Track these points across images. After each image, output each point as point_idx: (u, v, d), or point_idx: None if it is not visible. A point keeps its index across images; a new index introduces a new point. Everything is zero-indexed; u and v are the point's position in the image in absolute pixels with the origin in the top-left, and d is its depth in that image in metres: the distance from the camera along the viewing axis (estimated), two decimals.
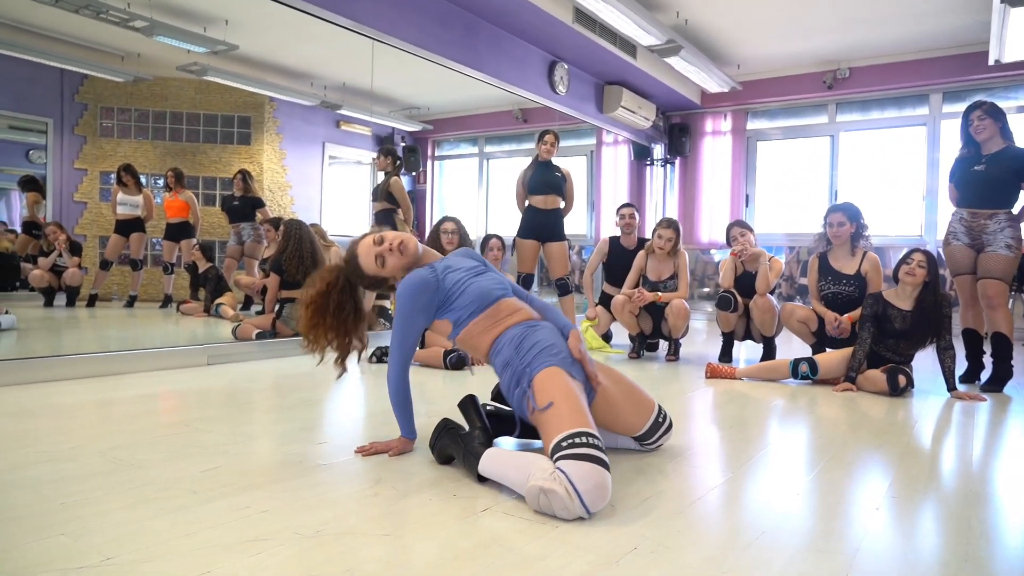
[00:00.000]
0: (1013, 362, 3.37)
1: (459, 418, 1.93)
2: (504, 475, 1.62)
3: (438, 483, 1.70)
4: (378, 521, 1.44)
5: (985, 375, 3.48)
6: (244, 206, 6.43)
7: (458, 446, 1.78)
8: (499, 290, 1.93)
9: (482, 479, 1.68)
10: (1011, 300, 5.80)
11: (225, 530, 1.36)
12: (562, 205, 4.87)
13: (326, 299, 1.91)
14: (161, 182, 6.91)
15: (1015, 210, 3.40)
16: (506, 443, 2.01)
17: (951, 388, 3.15)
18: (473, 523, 1.45)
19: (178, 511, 1.46)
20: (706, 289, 7.82)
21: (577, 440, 1.51)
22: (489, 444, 1.76)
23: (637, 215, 4.84)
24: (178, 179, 6.52)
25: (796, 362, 3.43)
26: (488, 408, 1.97)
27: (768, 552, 1.34)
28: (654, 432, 2.00)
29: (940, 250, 3.65)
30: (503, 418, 2.01)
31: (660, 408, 2.02)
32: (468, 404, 1.90)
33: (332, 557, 1.25)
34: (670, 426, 2.04)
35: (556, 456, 1.51)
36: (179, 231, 6.52)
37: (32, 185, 6.53)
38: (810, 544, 1.39)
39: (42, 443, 2.00)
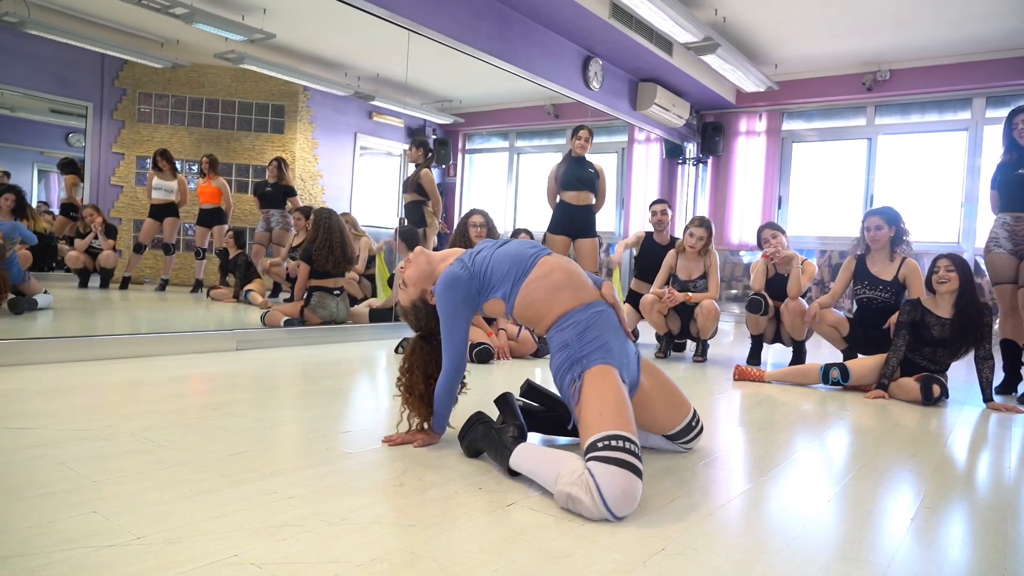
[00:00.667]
0: None
1: (489, 411, 1.92)
2: (534, 471, 1.61)
3: (465, 476, 1.70)
4: (404, 511, 1.44)
5: (1022, 387, 3.39)
6: (276, 193, 6.49)
7: (490, 439, 1.77)
8: (531, 249, 1.88)
9: (512, 473, 1.67)
10: None
11: (253, 514, 1.37)
12: (594, 201, 4.84)
13: (411, 375, 1.94)
14: (196, 168, 7.01)
15: None
16: (536, 439, 2.00)
17: (987, 399, 3.07)
18: (499, 517, 1.44)
19: (207, 493, 1.47)
20: (734, 291, 7.73)
21: (614, 443, 1.48)
22: (522, 439, 1.75)
23: (670, 211, 4.79)
24: (212, 165, 6.61)
25: (827, 367, 3.37)
26: (519, 403, 1.96)
27: (800, 558, 1.31)
28: (687, 433, 1.99)
29: (980, 258, 3.56)
30: (534, 414, 2.00)
31: (695, 411, 2.01)
32: (504, 401, 1.89)
33: (358, 545, 1.25)
34: (702, 430, 2.03)
35: (589, 456, 1.49)
36: (212, 217, 6.60)
37: (71, 168, 6.67)
38: (843, 552, 1.36)
39: (76, 421, 2.03)
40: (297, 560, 1.17)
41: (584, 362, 1.68)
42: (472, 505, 1.50)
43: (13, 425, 1.94)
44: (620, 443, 1.48)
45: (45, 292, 4.36)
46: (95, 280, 6.29)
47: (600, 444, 1.49)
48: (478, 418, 1.88)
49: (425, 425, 1.96)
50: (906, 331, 3.19)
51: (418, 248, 2.00)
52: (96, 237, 6.19)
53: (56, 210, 6.72)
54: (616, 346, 1.74)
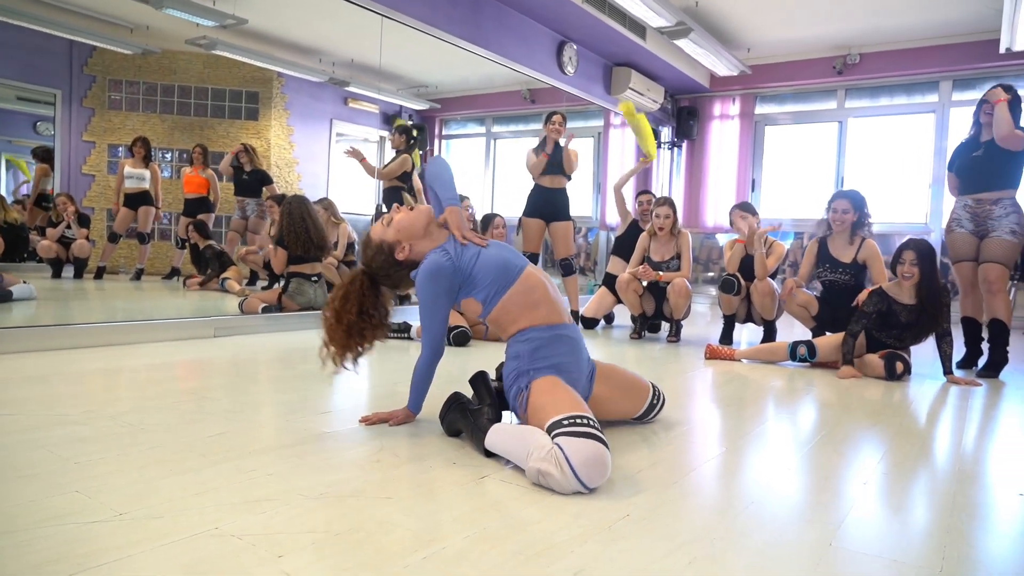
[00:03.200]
0: (1009, 348, 3.39)
1: (467, 392, 1.98)
2: (508, 450, 1.65)
3: (440, 452, 1.75)
4: (380, 485, 1.49)
5: (982, 361, 3.51)
6: (252, 180, 6.46)
7: (467, 421, 1.82)
8: (516, 260, 1.92)
9: (489, 454, 1.72)
10: (1013, 289, 5.82)
11: (233, 491, 1.41)
12: (568, 184, 4.89)
13: (345, 303, 1.93)
14: (169, 156, 6.94)
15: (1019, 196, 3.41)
16: (512, 418, 2.06)
17: (947, 372, 3.19)
18: (471, 489, 1.50)
19: (188, 472, 1.51)
20: (710, 273, 7.84)
21: (578, 420, 1.54)
22: (497, 419, 1.78)
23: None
24: (204, 156, 6.56)
25: (794, 345, 3.47)
26: (496, 384, 2.02)
27: (757, 520, 1.39)
28: (649, 412, 2.09)
29: (943, 238, 3.67)
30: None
31: (654, 390, 2.09)
32: (479, 380, 1.93)
33: (335, 516, 1.30)
34: (663, 403, 2.13)
35: (555, 433, 1.53)
36: (197, 207, 6.56)
37: (43, 156, 6.58)
38: (799, 515, 1.44)
39: (55, 407, 2.05)
40: (277, 531, 1.22)
41: (531, 374, 1.77)
42: (446, 479, 1.56)
43: None
44: (582, 420, 1.54)
45: (24, 283, 4.33)
46: (68, 271, 6.23)
47: (564, 422, 1.54)
48: (455, 399, 1.92)
49: (348, 360, 1.96)
50: (866, 320, 3.28)
51: (428, 208, 2.01)
52: (69, 226, 6.13)
53: (16, 198, 6.65)
54: (568, 365, 1.82)
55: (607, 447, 1.51)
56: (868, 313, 3.28)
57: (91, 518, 1.24)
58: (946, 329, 3.20)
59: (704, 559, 1.19)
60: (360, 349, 1.96)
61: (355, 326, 1.92)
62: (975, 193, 3.44)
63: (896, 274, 3.26)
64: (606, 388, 2.00)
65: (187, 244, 6.48)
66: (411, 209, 2.01)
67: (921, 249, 3.19)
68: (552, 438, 1.53)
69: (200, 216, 6.43)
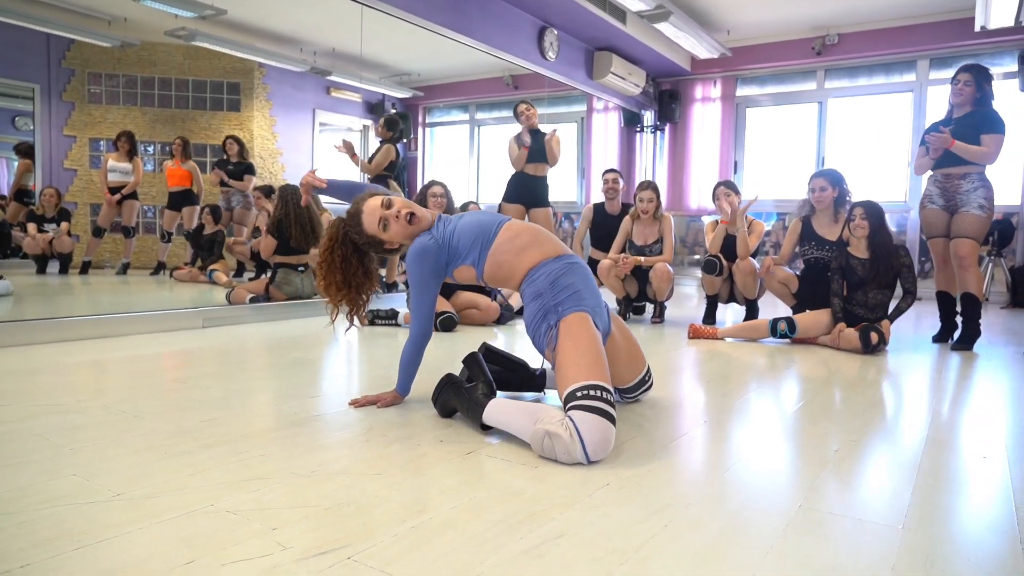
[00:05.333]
0: (981, 321, 3.49)
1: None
2: (509, 423, 1.69)
3: (428, 431, 1.80)
4: (370, 463, 1.54)
5: (957, 334, 3.60)
6: (238, 171, 6.46)
7: (462, 397, 1.85)
8: (494, 218, 1.96)
9: (485, 428, 1.76)
10: (988, 264, 5.94)
11: (226, 471, 1.46)
12: (549, 172, 4.93)
13: (332, 254, 1.98)
14: (151, 149, 6.91)
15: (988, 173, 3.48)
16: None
17: (888, 319, 3.40)
18: (459, 464, 1.55)
19: (182, 455, 1.55)
20: (696, 256, 7.91)
21: (592, 392, 1.57)
22: (493, 395, 1.82)
23: (621, 180, 4.91)
24: (184, 148, 6.55)
25: (775, 321, 3.55)
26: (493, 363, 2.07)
27: (732, 487, 1.45)
28: (639, 387, 2.12)
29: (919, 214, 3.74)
30: (493, 375, 2.11)
31: (648, 367, 2.14)
32: (472, 359, 1.96)
33: (327, 492, 1.35)
34: (651, 384, 2.17)
35: (569, 406, 1.57)
36: (181, 199, 6.55)
37: (25, 152, 6.53)
38: (772, 481, 1.50)
39: (47, 398, 2.08)
40: (269, 507, 1.27)
41: (559, 310, 1.76)
42: (433, 455, 1.61)
43: None
44: (598, 392, 1.58)
45: (1, 278, 4.32)
46: (53, 266, 6.21)
47: (579, 393, 1.58)
48: (448, 379, 1.96)
49: (355, 318, 2.07)
50: (838, 275, 3.48)
51: (427, 213, 2.00)
52: (55, 220, 6.12)
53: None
54: (588, 295, 1.82)
55: (615, 424, 1.57)
56: (834, 269, 3.49)
57: (89, 499, 1.28)
58: (911, 288, 3.39)
59: (679, 522, 1.25)
60: (362, 302, 2.05)
61: (347, 294, 2.01)
62: (945, 168, 3.51)
63: (851, 231, 3.45)
64: (620, 336, 2.02)
65: (171, 237, 6.48)
66: (408, 219, 1.95)
67: (869, 206, 3.43)
68: (567, 409, 1.57)
69: (185, 209, 6.43)
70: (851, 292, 3.47)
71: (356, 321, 2.08)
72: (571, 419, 1.54)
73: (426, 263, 1.93)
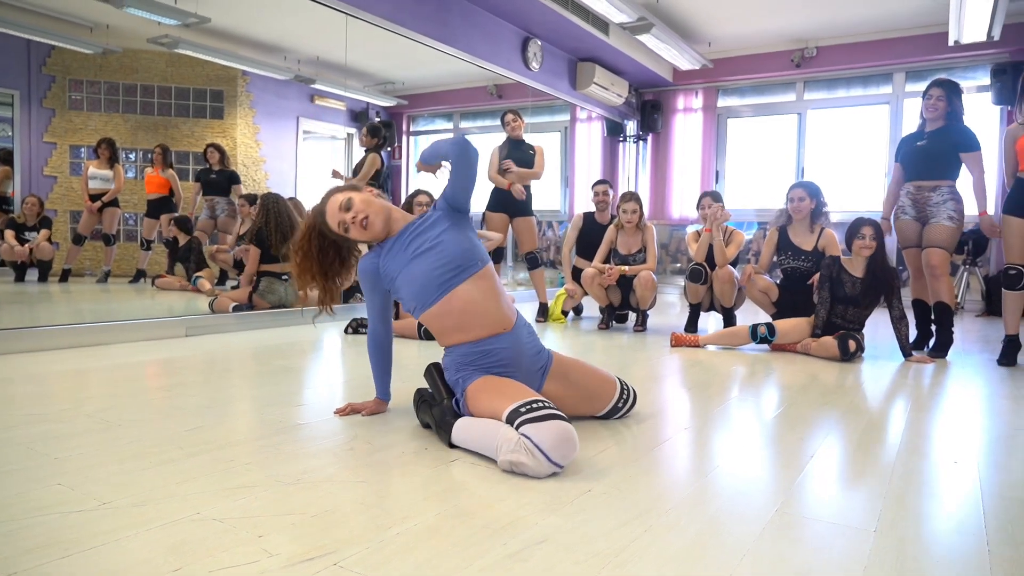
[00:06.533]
0: (955, 329, 3.57)
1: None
2: (475, 445, 1.68)
3: (412, 439, 1.82)
4: (355, 470, 1.56)
5: (932, 342, 3.68)
6: (220, 180, 6.44)
7: (431, 418, 1.85)
8: (441, 278, 1.82)
9: (453, 446, 1.76)
10: (963, 273, 6.06)
11: (212, 479, 1.47)
12: (532, 182, 4.97)
13: (309, 243, 1.96)
14: (133, 156, 6.88)
15: (958, 185, 3.57)
16: None
17: (907, 355, 3.38)
18: (442, 472, 1.57)
19: (167, 464, 1.56)
20: (679, 264, 7.98)
21: (534, 405, 1.57)
22: (459, 414, 1.81)
23: (611, 191, 4.97)
24: (164, 156, 6.52)
25: (755, 327, 3.61)
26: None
27: (711, 492, 1.48)
28: (614, 413, 2.05)
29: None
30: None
31: (622, 390, 2.04)
32: (431, 373, 1.95)
33: (313, 500, 1.36)
34: (633, 402, 2.08)
35: (517, 423, 1.55)
36: (160, 207, 6.52)
37: (3, 159, 6.47)
38: (750, 486, 1.54)
39: (28, 407, 2.08)
40: (255, 515, 1.28)
41: (462, 382, 1.82)
42: (417, 463, 1.63)
43: None
44: (538, 404, 1.58)
45: None
46: (32, 274, 6.15)
47: (522, 410, 1.57)
48: (420, 396, 1.97)
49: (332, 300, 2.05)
50: (828, 284, 3.50)
51: (383, 217, 1.92)
52: (36, 229, 6.06)
53: None
54: (503, 370, 1.83)
55: (569, 421, 1.56)
56: (824, 277, 3.50)
57: (76, 507, 1.29)
58: (901, 312, 3.39)
59: (659, 526, 1.28)
60: (335, 290, 2.04)
61: (321, 282, 2.00)
62: (917, 180, 3.60)
63: (851, 248, 3.46)
64: (560, 387, 1.96)
65: (151, 244, 6.44)
66: (363, 224, 1.88)
67: (877, 226, 3.42)
68: (516, 427, 1.56)
69: (163, 216, 6.40)
70: (834, 304, 3.49)
71: (327, 311, 2.05)
72: (525, 436, 1.52)
73: (365, 281, 1.96)
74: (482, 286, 1.85)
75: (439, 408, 1.84)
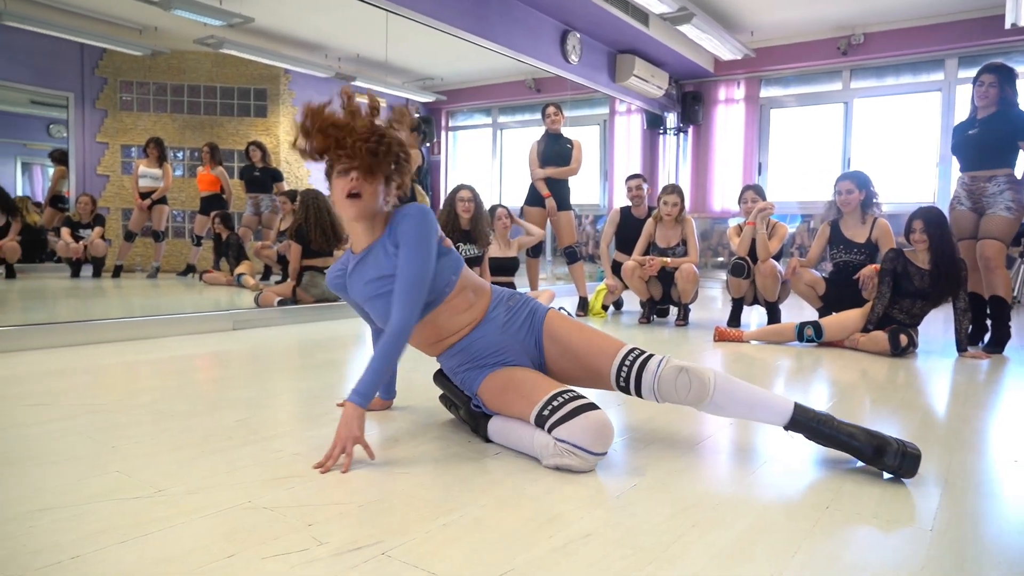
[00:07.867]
0: (1012, 324, 3.44)
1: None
2: (512, 446, 1.66)
3: (455, 432, 1.83)
4: (401, 462, 1.57)
5: (987, 338, 3.55)
6: (264, 177, 6.57)
7: (461, 417, 1.86)
8: (406, 318, 1.62)
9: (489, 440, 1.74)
10: (1020, 265, 5.84)
11: (262, 469, 1.50)
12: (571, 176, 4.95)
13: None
14: (181, 155, 7.05)
15: (1017, 172, 3.44)
16: None
17: (962, 350, 3.25)
18: (486, 464, 1.58)
19: (218, 453, 1.60)
20: (719, 258, 7.87)
21: (555, 403, 1.53)
22: (486, 413, 1.76)
23: (645, 185, 4.92)
24: (212, 154, 6.67)
25: (801, 326, 3.52)
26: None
27: (759, 487, 1.46)
28: (620, 374, 1.67)
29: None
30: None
31: (628, 351, 1.69)
32: (441, 379, 1.93)
33: (359, 489, 1.38)
34: (644, 363, 1.65)
35: (547, 427, 1.52)
36: (211, 204, 6.68)
37: (60, 159, 6.71)
38: (799, 482, 1.51)
39: (86, 397, 2.15)
40: (305, 503, 1.30)
41: (469, 385, 1.76)
42: (462, 456, 1.64)
43: (27, 403, 2.05)
44: (559, 400, 1.54)
45: None
46: (87, 270, 6.36)
47: (545, 413, 1.53)
48: (444, 399, 1.95)
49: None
50: (889, 278, 3.34)
51: (374, 202, 1.70)
52: (90, 226, 6.27)
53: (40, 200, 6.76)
54: (499, 354, 1.73)
55: (596, 407, 1.52)
56: (887, 271, 3.33)
57: (132, 495, 1.33)
58: (967, 303, 3.25)
59: (706, 521, 1.27)
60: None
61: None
62: (971, 171, 3.48)
63: (910, 243, 3.33)
64: (556, 349, 1.76)
65: (202, 241, 6.60)
66: (368, 193, 1.69)
67: (929, 217, 3.25)
68: (548, 431, 1.53)
69: (215, 213, 6.55)
70: (899, 298, 3.35)
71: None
72: (558, 439, 1.50)
73: (341, 294, 1.85)
74: (451, 304, 1.74)
75: (465, 410, 1.84)
